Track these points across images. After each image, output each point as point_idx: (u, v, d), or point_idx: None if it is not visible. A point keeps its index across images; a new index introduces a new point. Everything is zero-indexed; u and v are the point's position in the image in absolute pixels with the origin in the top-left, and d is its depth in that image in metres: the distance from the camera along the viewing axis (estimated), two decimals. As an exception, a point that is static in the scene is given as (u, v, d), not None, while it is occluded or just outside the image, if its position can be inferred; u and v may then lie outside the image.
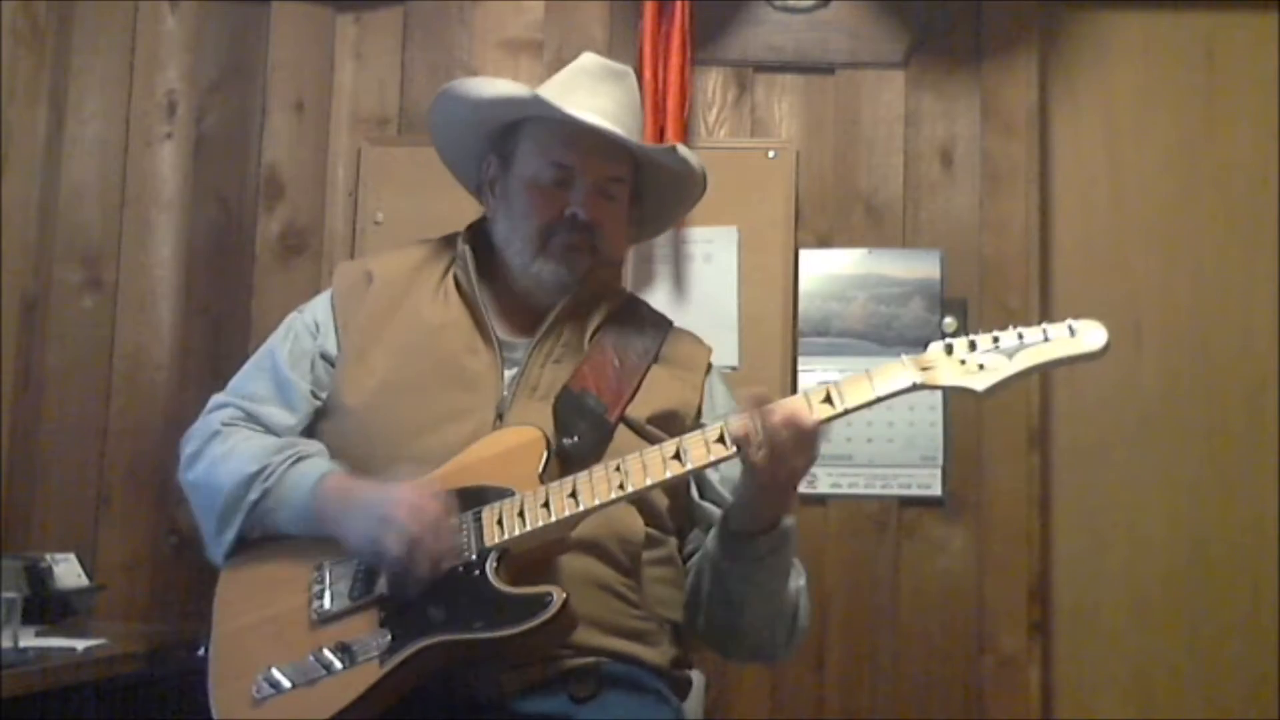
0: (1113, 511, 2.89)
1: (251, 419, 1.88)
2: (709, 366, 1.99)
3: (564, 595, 1.60)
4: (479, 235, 1.99)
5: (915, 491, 2.82)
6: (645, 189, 2.01)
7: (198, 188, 2.92)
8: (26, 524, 2.74)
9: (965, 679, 2.79)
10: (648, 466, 1.67)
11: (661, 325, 2.00)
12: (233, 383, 1.97)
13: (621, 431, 1.82)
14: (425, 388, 1.83)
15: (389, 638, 1.63)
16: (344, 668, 1.64)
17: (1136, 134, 2.98)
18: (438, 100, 1.99)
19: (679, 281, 2.87)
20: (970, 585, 2.81)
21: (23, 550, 2.52)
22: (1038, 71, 2.93)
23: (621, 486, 1.66)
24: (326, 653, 1.65)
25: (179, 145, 2.91)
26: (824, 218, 2.92)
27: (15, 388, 2.71)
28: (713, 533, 1.81)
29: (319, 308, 1.98)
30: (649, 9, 2.84)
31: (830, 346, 2.86)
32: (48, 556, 2.42)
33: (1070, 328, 1.63)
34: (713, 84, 2.96)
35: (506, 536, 1.66)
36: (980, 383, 1.62)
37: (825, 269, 2.89)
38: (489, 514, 1.68)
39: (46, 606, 2.33)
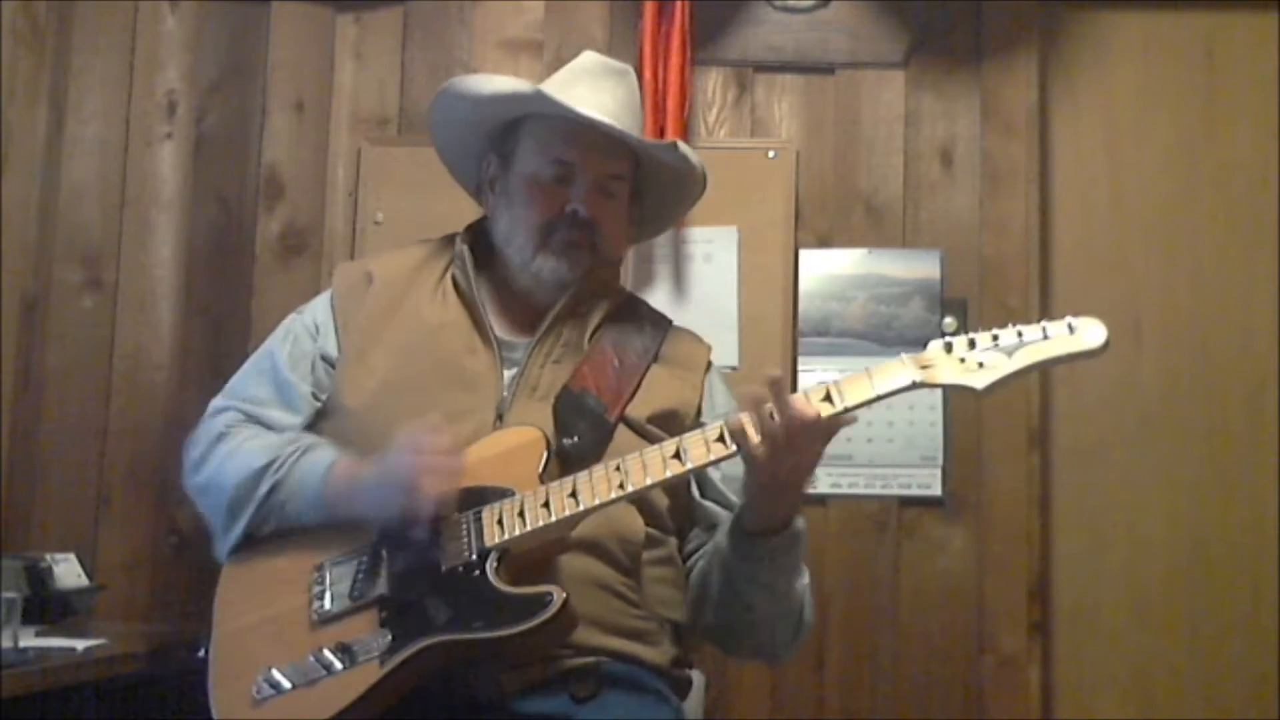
0: (1113, 511, 2.90)
1: (253, 421, 1.89)
2: (708, 365, 1.99)
3: (564, 595, 1.60)
4: (478, 235, 1.99)
5: (915, 491, 2.83)
6: (645, 188, 2.01)
7: (198, 188, 2.92)
8: (26, 524, 2.74)
9: (965, 679, 2.79)
10: (648, 466, 1.67)
11: (661, 324, 2.00)
12: (231, 385, 1.97)
13: (621, 431, 1.82)
14: (425, 388, 1.83)
15: (389, 638, 1.63)
16: (344, 668, 1.64)
17: (1136, 134, 2.98)
18: (438, 98, 1.99)
19: (679, 281, 2.87)
20: (970, 585, 2.81)
21: (23, 550, 2.52)
22: (1038, 71, 2.93)
23: (621, 486, 1.66)
24: (327, 653, 1.65)
25: (179, 145, 2.91)
26: (824, 218, 2.92)
27: (15, 388, 2.71)
28: (723, 531, 1.81)
29: (318, 309, 1.98)
30: (649, 9, 2.84)
31: (830, 346, 2.86)
32: (48, 556, 2.42)
33: (1070, 325, 1.63)
34: (713, 84, 2.96)
35: (507, 536, 1.66)
36: (980, 381, 1.62)
37: (825, 269, 2.89)
38: (489, 514, 1.68)
39: (46, 606, 2.34)
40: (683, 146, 1.97)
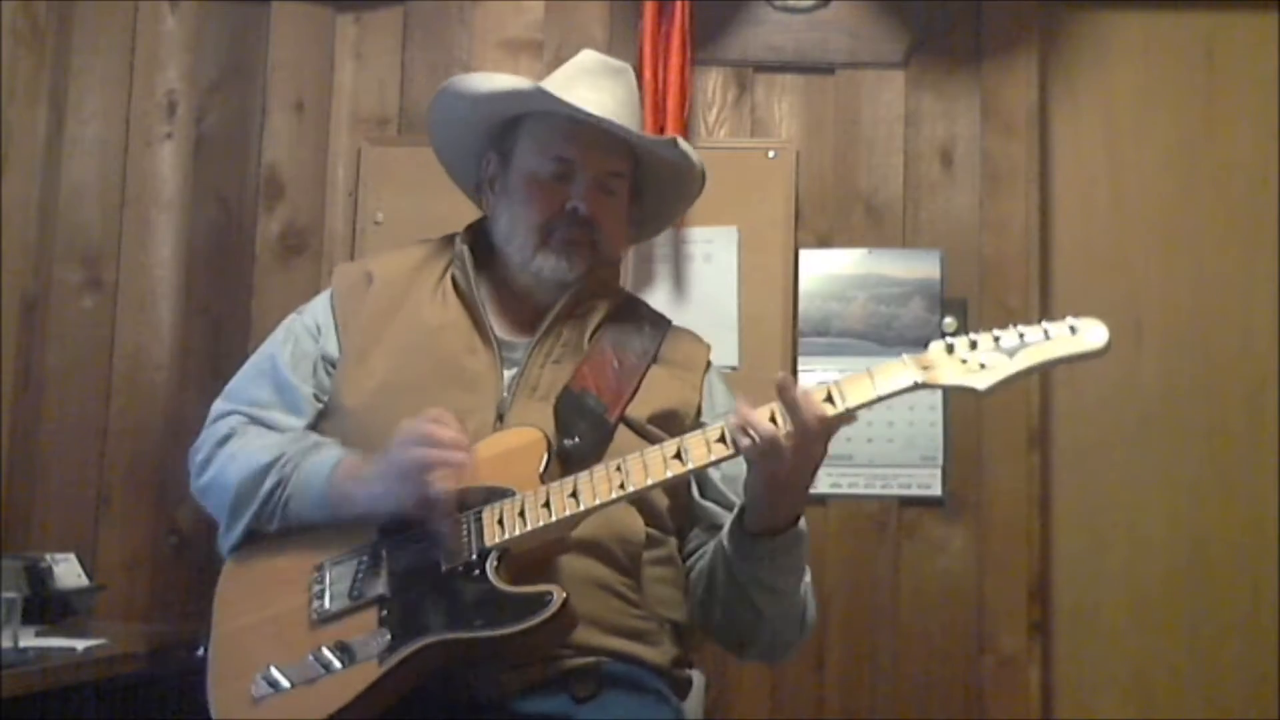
0: (1113, 511, 2.90)
1: (256, 423, 1.89)
2: (708, 365, 1.99)
3: (564, 594, 1.60)
4: (478, 235, 1.99)
5: (915, 491, 2.83)
6: (644, 187, 2.01)
7: (198, 188, 2.92)
8: (26, 524, 2.74)
9: (965, 679, 2.79)
10: (648, 466, 1.67)
11: (660, 325, 2.00)
12: (232, 387, 1.96)
13: (622, 431, 1.82)
14: (425, 388, 1.83)
15: (388, 637, 1.63)
16: (343, 667, 1.64)
17: (1136, 134, 2.98)
18: (437, 97, 1.99)
19: (679, 281, 2.87)
20: (970, 585, 2.81)
21: (23, 550, 2.52)
22: (1038, 71, 2.93)
23: (622, 486, 1.66)
24: (326, 652, 1.65)
25: (179, 145, 2.91)
26: (824, 218, 2.92)
27: (15, 388, 2.71)
28: (725, 531, 1.81)
29: (318, 309, 1.98)
30: (649, 9, 2.84)
31: (830, 346, 2.86)
32: (48, 556, 2.42)
33: (1071, 326, 1.63)
34: (713, 84, 2.96)
35: (507, 536, 1.66)
36: (981, 382, 1.62)
37: (825, 269, 2.89)
38: (489, 514, 1.68)
39: (46, 606, 2.33)
40: (682, 143, 1.97)
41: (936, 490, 2.82)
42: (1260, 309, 2.91)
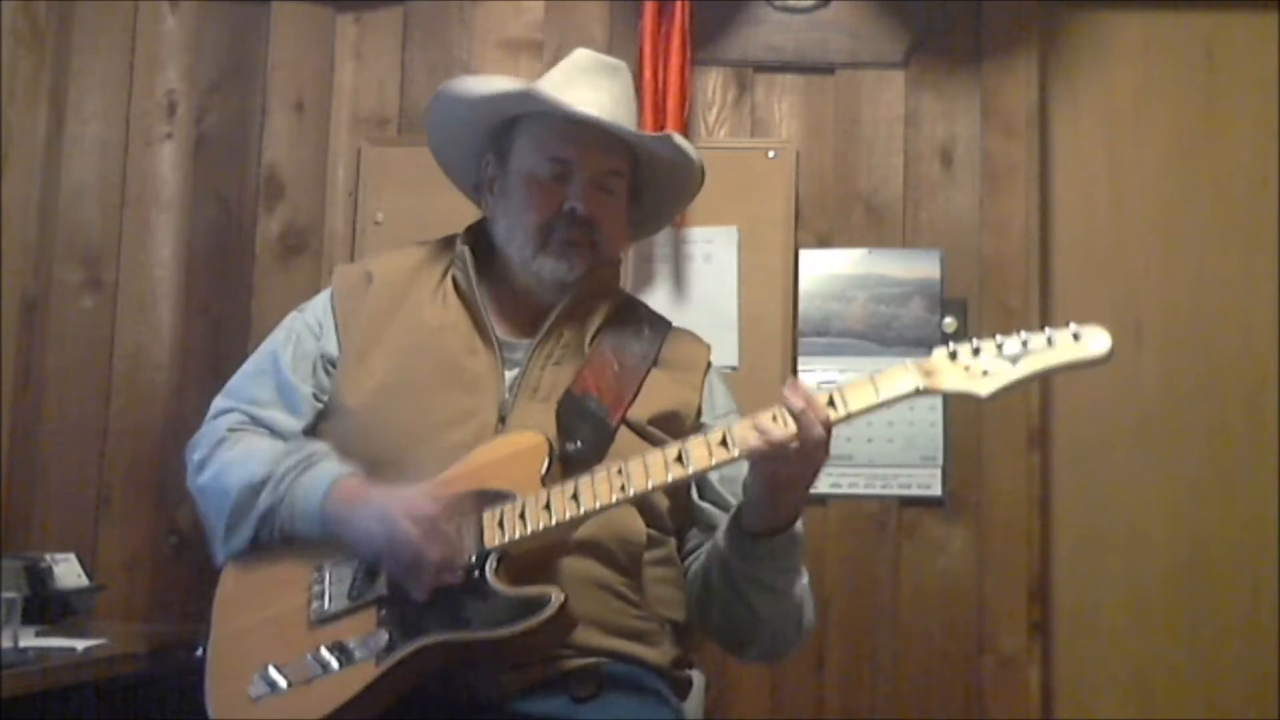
0: (1113, 511, 2.89)
1: (255, 423, 1.89)
2: (708, 365, 1.99)
3: (563, 596, 1.60)
4: (478, 236, 1.99)
5: (915, 491, 2.82)
6: (644, 185, 2.00)
7: (198, 188, 2.92)
8: (26, 524, 2.74)
9: (965, 679, 2.79)
10: (650, 469, 1.67)
11: (659, 327, 1.99)
12: (233, 385, 1.96)
13: (623, 433, 1.82)
14: (425, 389, 1.83)
15: (386, 638, 1.64)
16: (340, 667, 1.64)
17: (1136, 134, 2.98)
18: (434, 101, 1.99)
19: (679, 281, 2.87)
20: (970, 585, 2.81)
21: (23, 550, 2.53)
22: (1038, 71, 2.92)
23: (623, 489, 1.66)
24: (324, 652, 1.65)
25: (179, 145, 2.92)
26: (824, 218, 2.92)
27: (15, 388, 2.72)
28: (722, 531, 1.81)
29: (319, 307, 1.98)
30: (649, 9, 2.84)
31: (830, 346, 2.86)
32: (48, 556, 2.42)
33: (1075, 333, 1.62)
34: (713, 84, 2.96)
35: (507, 539, 1.66)
36: (984, 388, 1.62)
37: (825, 269, 2.89)
38: (490, 516, 1.68)
39: (46, 606, 2.34)
40: (678, 139, 1.96)
41: (936, 490, 2.82)
42: (1260, 309, 2.91)
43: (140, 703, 2.29)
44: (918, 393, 1.64)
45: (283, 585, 1.75)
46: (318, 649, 1.66)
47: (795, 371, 2.83)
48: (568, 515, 1.66)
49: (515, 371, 1.86)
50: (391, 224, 2.90)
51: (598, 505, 1.66)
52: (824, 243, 2.90)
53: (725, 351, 2.75)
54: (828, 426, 1.63)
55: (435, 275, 1.95)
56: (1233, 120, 2.96)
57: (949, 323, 2.84)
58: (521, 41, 2.98)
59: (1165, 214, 2.95)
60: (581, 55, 1.99)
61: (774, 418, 1.64)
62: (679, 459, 1.66)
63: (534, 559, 1.68)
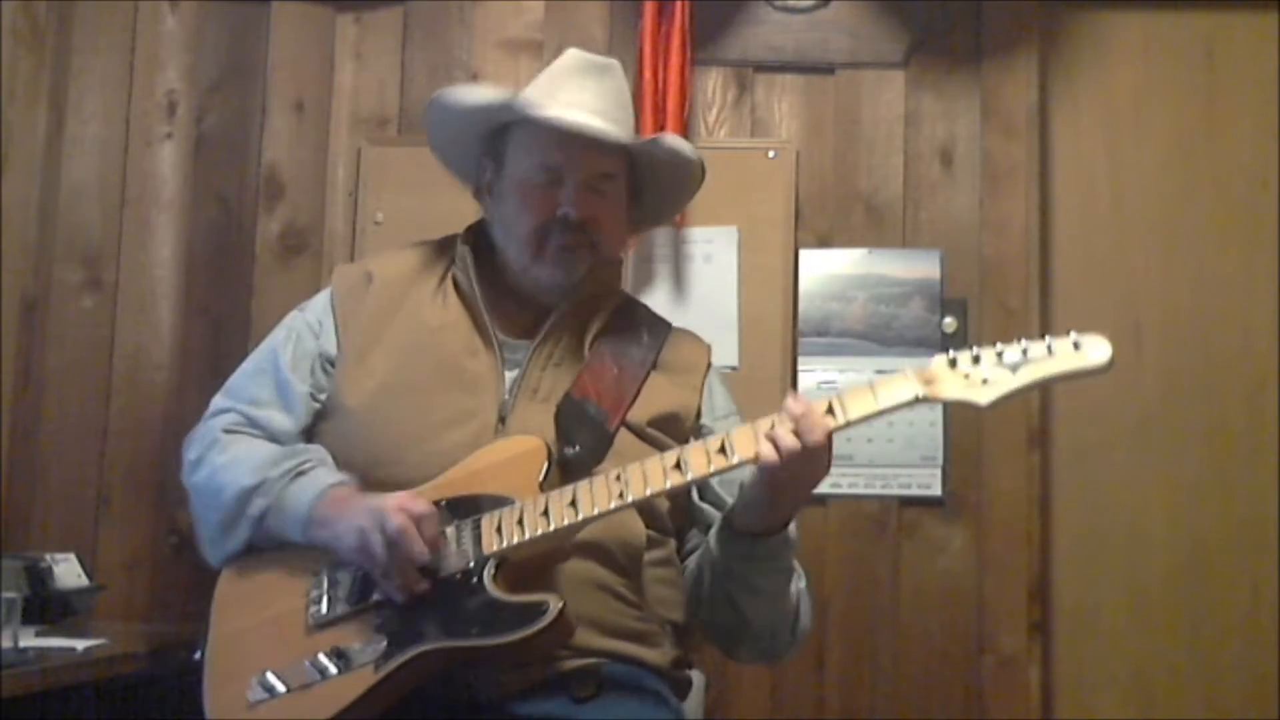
0: (1113, 511, 2.89)
1: (252, 423, 1.89)
2: (708, 366, 1.99)
3: (560, 604, 1.60)
4: (479, 236, 1.98)
5: (915, 491, 2.82)
6: (643, 184, 2.00)
7: (198, 188, 2.92)
8: (26, 524, 2.74)
9: (965, 679, 2.79)
10: (648, 476, 1.67)
11: (659, 330, 1.99)
12: (233, 383, 1.97)
13: (623, 435, 1.82)
14: (426, 389, 1.83)
15: (384, 643, 1.64)
16: (338, 673, 1.64)
17: (1136, 134, 2.97)
18: (428, 109, 1.99)
19: (679, 281, 2.87)
20: (970, 585, 2.81)
21: (23, 550, 2.53)
22: (1038, 71, 2.92)
23: (621, 495, 1.66)
24: (322, 657, 1.65)
25: (179, 145, 2.92)
26: (824, 218, 2.91)
27: (15, 388, 2.72)
28: (713, 534, 1.81)
29: (319, 306, 1.98)
30: (649, 9, 2.84)
31: (830, 346, 2.86)
32: (48, 556, 2.42)
33: (1075, 342, 1.62)
34: (713, 84, 2.96)
35: (505, 545, 1.66)
36: (983, 397, 1.62)
37: (825, 269, 2.89)
38: (488, 522, 1.68)
39: (46, 606, 2.34)
40: (668, 139, 1.96)
41: (936, 490, 2.82)
42: (1260, 309, 2.90)
43: (140, 703, 2.29)
44: (917, 401, 1.64)
45: (282, 588, 1.75)
46: (316, 654, 1.66)
47: (795, 371, 2.84)
48: (565, 522, 1.66)
49: (515, 372, 1.86)
50: (391, 224, 2.90)
51: (595, 512, 1.66)
52: (824, 243, 2.90)
53: (725, 351, 2.75)
54: (827, 434, 1.63)
55: (436, 275, 1.95)
56: (1233, 120, 2.95)
57: (949, 323, 2.84)
58: (521, 41, 2.97)
59: (1165, 214, 2.95)
60: (570, 57, 1.98)
61: (773, 425, 1.64)
62: (677, 466, 1.67)
63: (533, 564, 1.68)
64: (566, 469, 1.74)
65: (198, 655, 1.78)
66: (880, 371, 2.79)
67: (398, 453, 1.79)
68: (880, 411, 1.65)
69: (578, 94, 1.90)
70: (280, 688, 1.65)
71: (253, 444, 1.86)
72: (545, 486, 1.70)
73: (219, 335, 2.89)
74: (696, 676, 1.93)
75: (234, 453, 1.84)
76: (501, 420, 1.81)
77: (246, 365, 1.98)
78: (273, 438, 1.87)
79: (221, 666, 1.73)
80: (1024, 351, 1.63)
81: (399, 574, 1.65)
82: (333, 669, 1.64)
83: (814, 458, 1.64)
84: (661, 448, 1.79)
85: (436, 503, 1.71)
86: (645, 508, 1.81)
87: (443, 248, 1.99)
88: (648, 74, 2.80)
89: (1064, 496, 2.89)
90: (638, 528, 1.80)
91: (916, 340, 2.82)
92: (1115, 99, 2.98)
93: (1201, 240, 2.94)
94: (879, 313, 2.86)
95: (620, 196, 1.95)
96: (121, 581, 2.75)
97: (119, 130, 2.90)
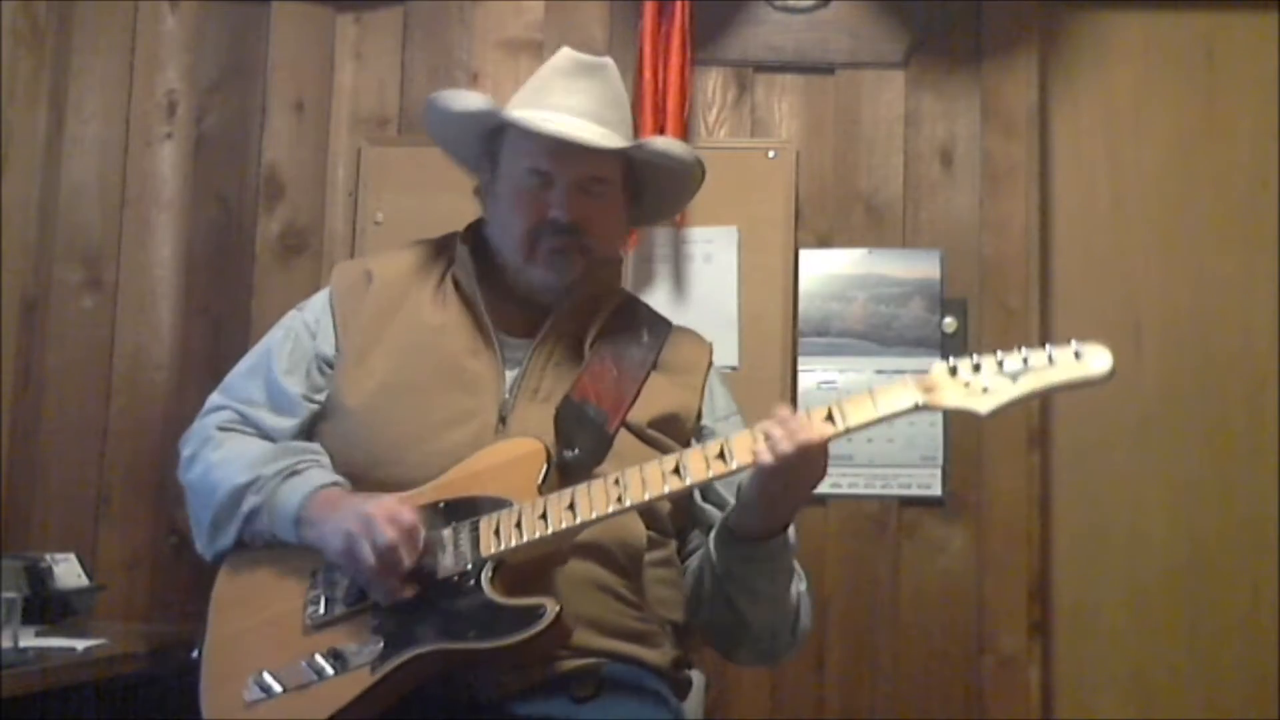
0: (1113, 511, 2.89)
1: (246, 421, 1.89)
2: (709, 366, 1.99)
3: (557, 607, 1.60)
4: (478, 235, 1.98)
5: (915, 491, 2.82)
6: (643, 184, 1.99)
7: (198, 188, 2.92)
8: (26, 524, 2.74)
9: (965, 679, 2.79)
10: (647, 481, 1.67)
11: (659, 329, 1.99)
12: (229, 381, 1.97)
13: (623, 436, 1.82)
14: (426, 389, 1.83)
15: (381, 645, 1.64)
16: (335, 674, 1.64)
17: (1136, 134, 2.97)
18: (425, 113, 2.00)
19: (679, 281, 2.87)
20: (970, 585, 2.81)
21: (23, 550, 2.53)
22: (1038, 71, 2.92)
23: (619, 500, 1.66)
24: (319, 658, 1.66)
25: (179, 145, 2.92)
26: (824, 218, 2.91)
27: (15, 388, 2.72)
28: (712, 537, 1.81)
29: (318, 306, 1.98)
30: (649, 9, 2.83)
31: (830, 346, 2.86)
32: (48, 556, 2.42)
33: (1076, 351, 1.62)
34: (713, 84, 2.96)
35: (503, 547, 1.66)
36: (983, 405, 1.62)
37: (825, 269, 2.88)
38: (486, 524, 1.68)
39: (46, 606, 2.34)
40: (657, 142, 1.96)
41: (936, 490, 2.82)
42: (1260, 309, 2.90)
43: (140, 703, 2.29)
44: (917, 409, 1.64)
45: (280, 589, 1.75)
46: (313, 655, 1.66)
47: (795, 371, 2.83)
48: (564, 525, 1.66)
49: (516, 372, 1.86)
50: (391, 224, 2.90)
51: (594, 516, 1.66)
52: (824, 243, 2.90)
53: (725, 351, 2.75)
54: (825, 441, 1.63)
55: (436, 275, 1.95)
56: (1233, 120, 2.95)
57: (949, 323, 2.84)
58: (521, 41, 2.97)
59: (1165, 214, 2.95)
60: (562, 57, 1.97)
61: (771, 431, 1.64)
62: (676, 471, 1.67)
63: (531, 567, 1.68)
64: (566, 471, 1.74)
65: (195, 654, 1.78)
66: (880, 371, 2.80)
67: (398, 453, 1.79)
68: (879, 419, 1.65)
69: (568, 97, 1.89)
70: (277, 688, 1.65)
71: (247, 442, 1.86)
72: (544, 489, 1.70)
73: (219, 335, 2.89)
74: (696, 676, 1.93)
75: (228, 450, 1.85)
76: (502, 420, 1.81)
77: (243, 364, 1.99)
78: (266, 436, 1.88)
79: (219, 667, 1.73)
80: (1025, 360, 1.63)
81: (384, 582, 1.65)
82: (329, 670, 1.64)
83: (811, 463, 1.65)
84: (661, 449, 1.79)
85: (435, 504, 1.71)
86: (646, 509, 1.80)
87: (442, 247, 1.99)
88: (648, 74, 2.80)
89: (1064, 496, 2.89)
90: (638, 529, 1.80)
91: (916, 340, 2.82)
92: (1115, 99, 2.98)
93: (1201, 240, 2.94)
94: (879, 313, 2.86)
95: (614, 197, 1.94)
96: (121, 581, 2.74)
97: (119, 130, 2.90)
